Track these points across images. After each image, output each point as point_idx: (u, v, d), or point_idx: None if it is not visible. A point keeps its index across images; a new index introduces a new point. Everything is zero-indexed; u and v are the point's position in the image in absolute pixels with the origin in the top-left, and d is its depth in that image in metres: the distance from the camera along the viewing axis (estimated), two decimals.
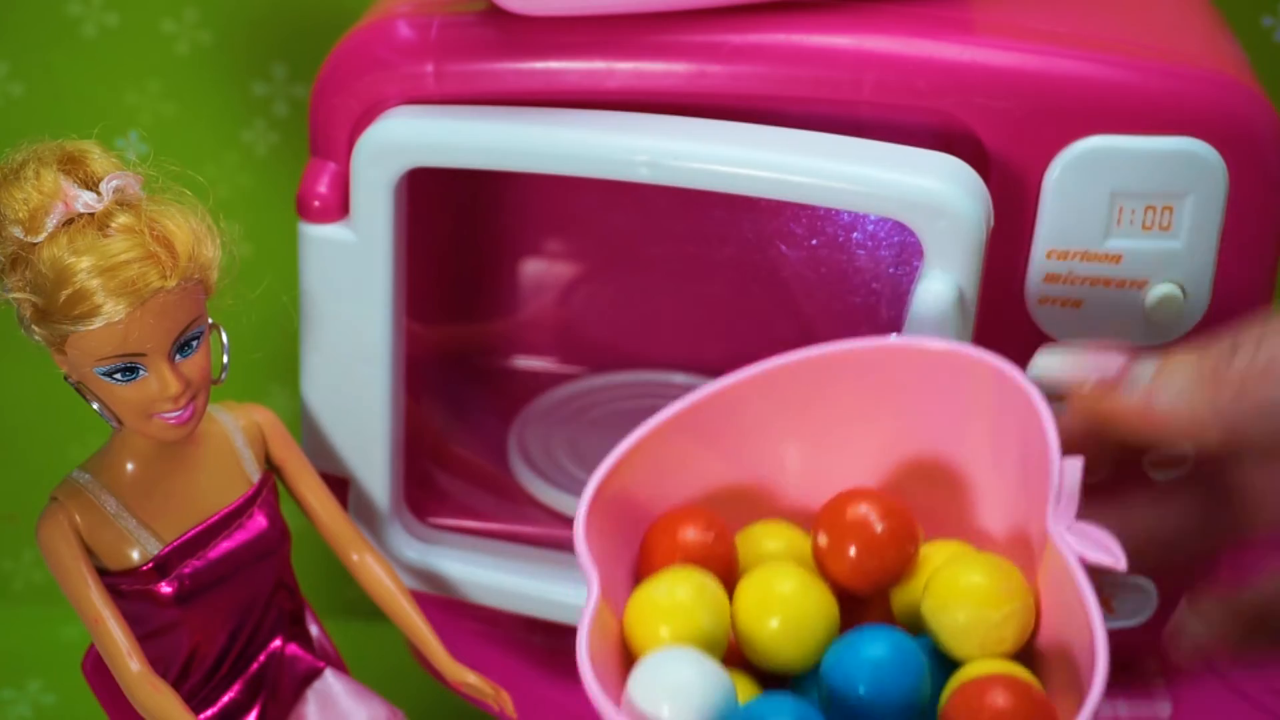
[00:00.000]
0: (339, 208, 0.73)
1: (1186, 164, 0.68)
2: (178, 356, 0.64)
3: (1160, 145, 0.68)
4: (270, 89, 0.92)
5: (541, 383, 0.91)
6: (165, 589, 0.66)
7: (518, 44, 0.71)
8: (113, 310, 0.61)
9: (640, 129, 0.69)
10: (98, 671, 0.68)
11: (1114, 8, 0.75)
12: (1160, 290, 0.70)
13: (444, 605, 0.82)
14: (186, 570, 0.67)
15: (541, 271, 0.91)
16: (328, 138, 0.73)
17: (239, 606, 0.69)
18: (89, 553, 0.66)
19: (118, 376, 0.63)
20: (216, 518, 0.68)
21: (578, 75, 0.71)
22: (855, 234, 0.82)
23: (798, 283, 0.86)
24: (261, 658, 0.71)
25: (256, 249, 0.93)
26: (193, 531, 0.67)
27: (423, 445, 0.84)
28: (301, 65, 0.91)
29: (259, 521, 0.70)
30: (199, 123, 0.93)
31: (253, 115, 0.92)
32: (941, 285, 0.68)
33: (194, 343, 0.65)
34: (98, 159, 0.64)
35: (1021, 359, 0.70)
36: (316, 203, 0.73)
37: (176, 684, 0.68)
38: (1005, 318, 0.72)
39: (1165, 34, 0.72)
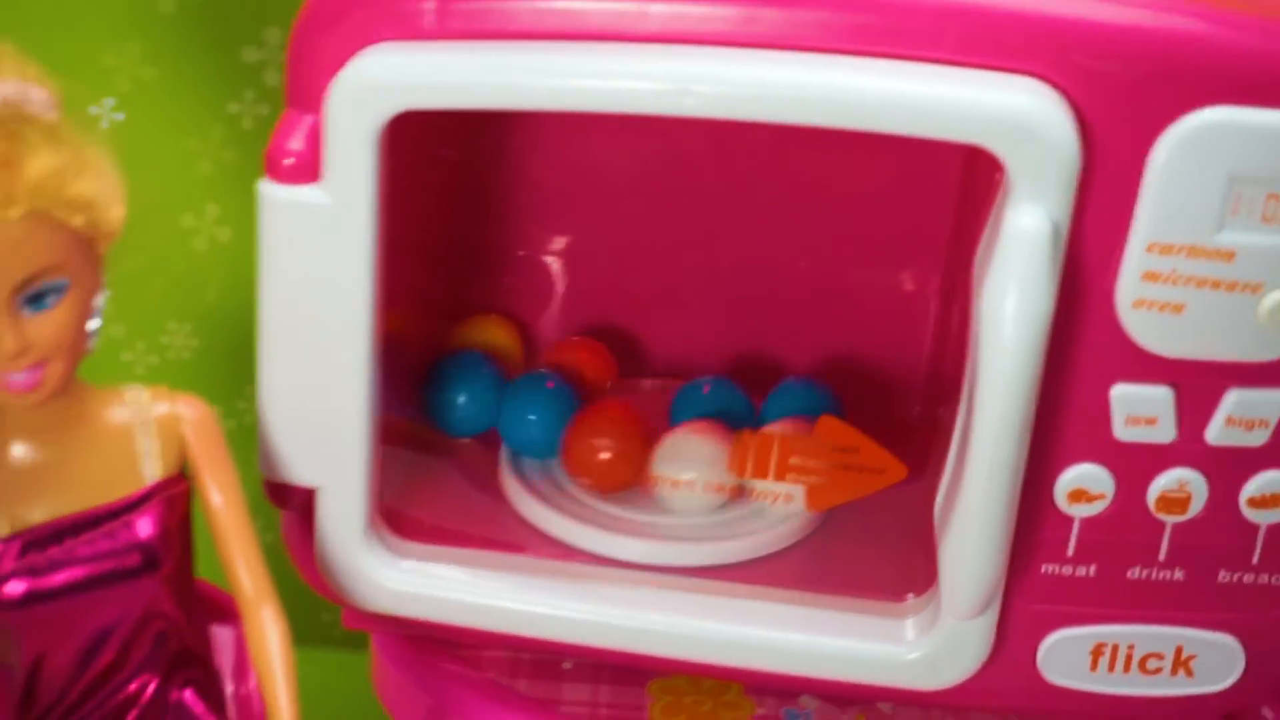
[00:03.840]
0: (315, 168, 0.59)
1: None
2: (27, 310, 0.51)
3: None
4: (262, 55, 0.78)
5: None
6: (10, 587, 0.52)
7: None
8: None
9: (683, 56, 0.55)
10: None
11: None
12: (1277, 296, 0.56)
13: (420, 648, 0.68)
14: (31, 567, 0.53)
15: (552, 258, 0.77)
16: (307, 85, 0.58)
17: (96, 627, 0.55)
18: None
19: None
20: (82, 515, 0.54)
21: (605, 15, 0.56)
22: None
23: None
24: (124, 694, 0.56)
25: (237, 233, 0.79)
26: (48, 525, 0.53)
27: (401, 450, 0.70)
28: None
29: (138, 531, 0.56)
30: (182, 90, 0.79)
31: (241, 84, 0.79)
32: (1033, 220, 0.54)
33: (49, 297, 0.52)
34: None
35: (1105, 373, 0.58)
36: (288, 160, 0.58)
37: (23, 707, 0.53)
38: (1089, 322, 0.57)
39: None
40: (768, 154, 0.72)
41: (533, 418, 0.70)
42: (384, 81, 0.57)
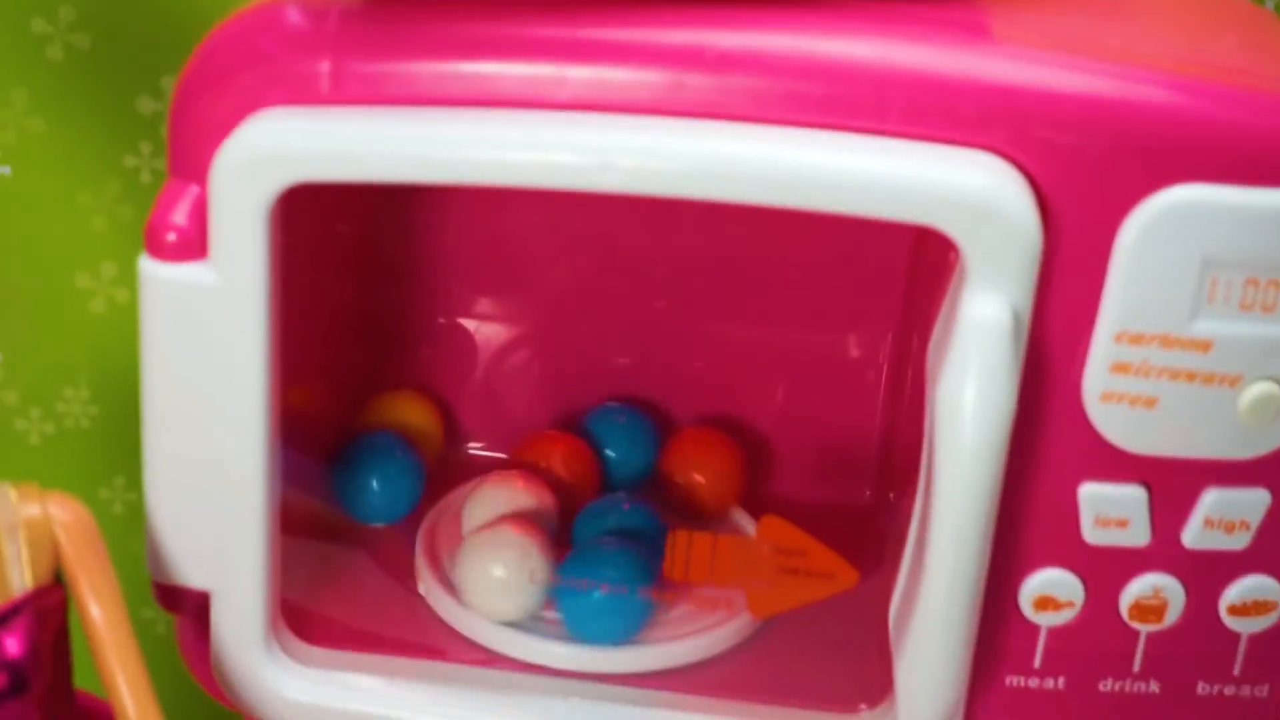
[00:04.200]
0: (201, 244, 0.53)
1: None
2: None
3: (1269, 201, 0.49)
4: (159, 105, 0.72)
5: (463, 470, 0.70)
6: None
7: (442, 40, 0.52)
8: None
9: (606, 127, 0.50)
10: None
11: (1193, 25, 0.56)
12: (1258, 389, 0.52)
13: None
14: None
15: (468, 334, 0.71)
16: (190, 153, 0.53)
17: None
18: None
19: None
20: None
21: (519, 81, 0.51)
22: None
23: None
24: None
25: (136, 294, 0.74)
26: None
27: (308, 541, 0.64)
28: None
29: (5, 649, 0.50)
30: (73, 143, 0.73)
31: (137, 136, 0.73)
32: (992, 308, 0.50)
33: None
34: None
35: (1072, 471, 0.53)
36: (171, 235, 0.53)
37: None
38: (1054, 417, 0.53)
39: (1264, 57, 0.54)
40: (703, 219, 0.67)
41: None
42: (274, 151, 0.51)
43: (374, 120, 0.51)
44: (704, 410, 0.71)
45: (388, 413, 0.69)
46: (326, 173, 0.51)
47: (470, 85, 0.51)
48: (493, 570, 0.62)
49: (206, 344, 0.54)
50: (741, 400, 0.71)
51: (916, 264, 0.66)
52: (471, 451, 0.73)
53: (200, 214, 0.53)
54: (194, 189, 0.53)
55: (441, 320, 0.72)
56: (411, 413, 0.69)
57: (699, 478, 0.68)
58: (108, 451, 0.79)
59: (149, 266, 0.53)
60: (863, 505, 0.71)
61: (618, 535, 0.63)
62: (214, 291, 0.53)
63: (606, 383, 0.71)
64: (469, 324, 0.71)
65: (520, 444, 0.70)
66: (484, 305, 0.71)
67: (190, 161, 0.53)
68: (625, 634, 0.61)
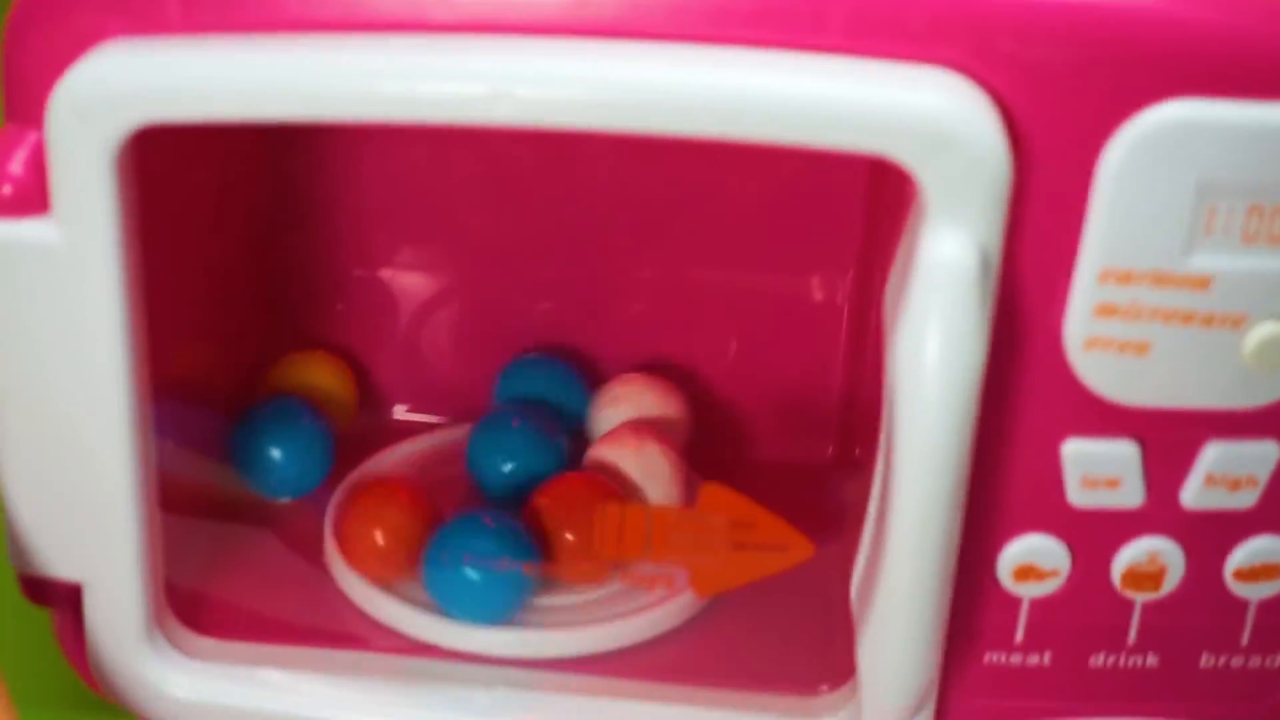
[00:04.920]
0: (42, 198, 0.46)
1: None
2: None
3: (1273, 116, 0.42)
4: None
5: (376, 437, 0.64)
6: None
7: None
8: None
9: (498, 50, 0.43)
10: None
11: None
12: (1265, 330, 0.45)
13: None
14: None
15: (384, 288, 0.65)
16: (26, 92, 0.46)
17: None
18: None
19: None
20: None
21: (397, 1, 0.44)
22: None
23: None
24: None
25: None
26: None
27: (204, 521, 0.58)
28: None
29: None
30: None
31: None
32: (955, 247, 0.43)
33: None
34: None
35: (1055, 427, 0.47)
36: (6, 189, 0.46)
37: None
38: (1032, 367, 0.46)
39: None
40: (638, 150, 0.60)
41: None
42: (117, 89, 0.44)
43: (230, 51, 0.44)
44: (643, 362, 0.64)
45: (294, 377, 0.62)
46: (178, 112, 0.45)
47: (341, 7, 0.44)
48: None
49: (53, 310, 0.47)
50: (688, 351, 0.64)
51: (876, 194, 0.60)
52: (396, 418, 0.67)
53: (39, 163, 0.46)
54: (31, 135, 0.46)
55: (355, 273, 0.65)
56: (320, 375, 0.62)
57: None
58: None
59: None
60: (825, 463, 0.64)
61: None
62: (58, 250, 0.46)
63: (538, 335, 0.65)
64: (385, 275, 0.65)
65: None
66: (401, 255, 0.64)
67: (25, 103, 0.46)
68: (498, 614, 0.56)
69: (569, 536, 0.56)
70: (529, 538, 0.56)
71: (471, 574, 0.55)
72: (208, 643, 0.54)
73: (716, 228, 0.62)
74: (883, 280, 0.50)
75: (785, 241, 0.62)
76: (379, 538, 0.56)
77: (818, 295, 0.63)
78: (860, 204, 0.60)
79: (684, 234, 0.62)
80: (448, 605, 0.56)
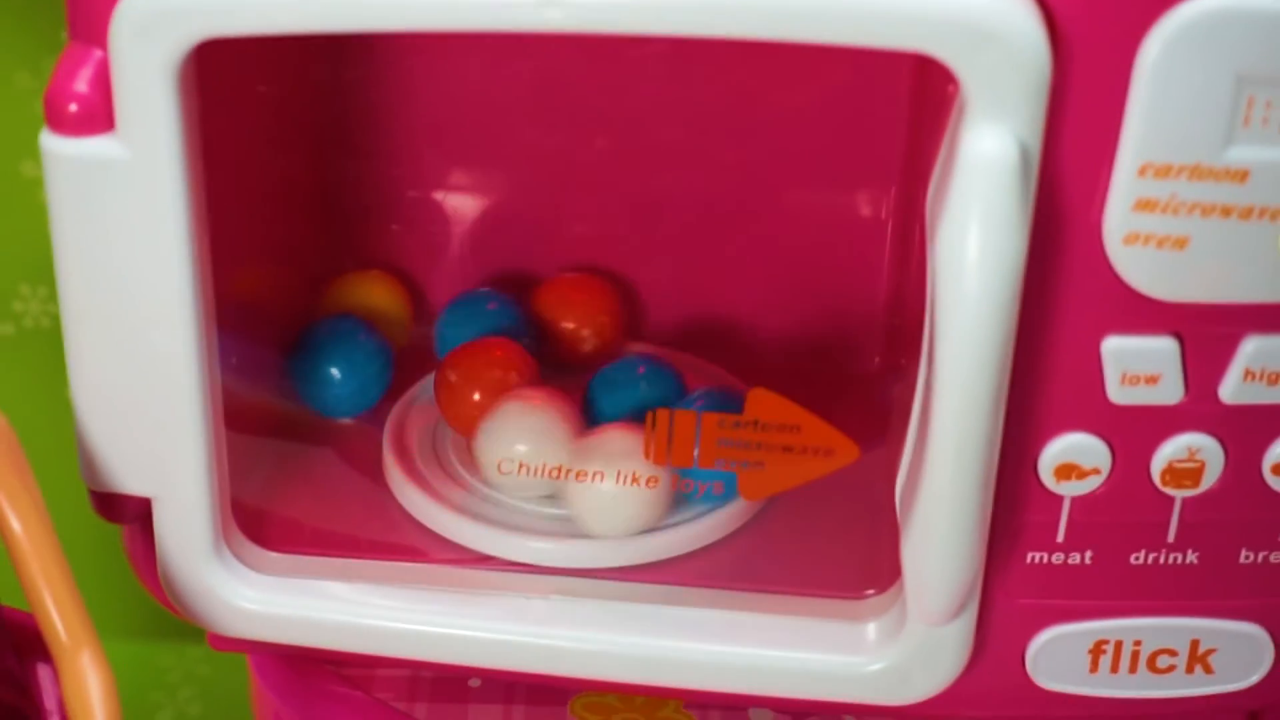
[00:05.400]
0: (107, 115, 0.48)
1: None
2: None
3: None
4: None
5: (432, 356, 0.64)
6: None
7: None
8: None
9: None
10: None
11: None
12: None
13: (301, 669, 0.58)
14: None
15: (439, 208, 0.65)
16: (90, 11, 0.47)
17: None
18: None
19: None
20: None
21: None
22: None
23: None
24: None
25: None
26: None
27: (266, 439, 0.59)
28: None
29: None
30: (8, 21, 0.68)
31: None
32: (995, 143, 0.44)
33: None
34: None
35: (1094, 324, 0.47)
36: (73, 106, 0.47)
37: None
38: (1072, 263, 0.47)
39: None
40: (682, 64, 0.60)
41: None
42: (175, 5, 0.45)
43: None
44: (683, 279, 0.65)
45: (350, 296, 0.63)
46: (235, 26, 0.45)
47: None
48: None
49: (121, 226, 0.48)
50: (735, 268, 0.65)
51: (920, 103, 0.60)
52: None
53: (104, 81, 0.47)
54: (96, 53, 0.47)
55: (409, 194, 0.66)
56: (376, 294, 0.63)
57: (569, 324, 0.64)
58: None
59: (51, 142, 0.48)
60: (872, 374, 0.65)
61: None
62: (124, 166, 0.47)
63: (583, 253, 0.65)
64: (438, 196, 0.65)
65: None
66: (453, 176, 0.65)
67: (89, 22, 0.47)
68: None
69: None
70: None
71: None
72: (273, 557, 0.56)
73: (757, 144, 0.62)
74: (922, 194, 0.51)
75: (830, 156, 0.62)
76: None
77: (863, 209, 0.63)
78: (904, 118, 0.60)
79: (730, 150, 0.63)
80: None
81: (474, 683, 0.59)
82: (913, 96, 0.61)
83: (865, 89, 0.60)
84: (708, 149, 0.63)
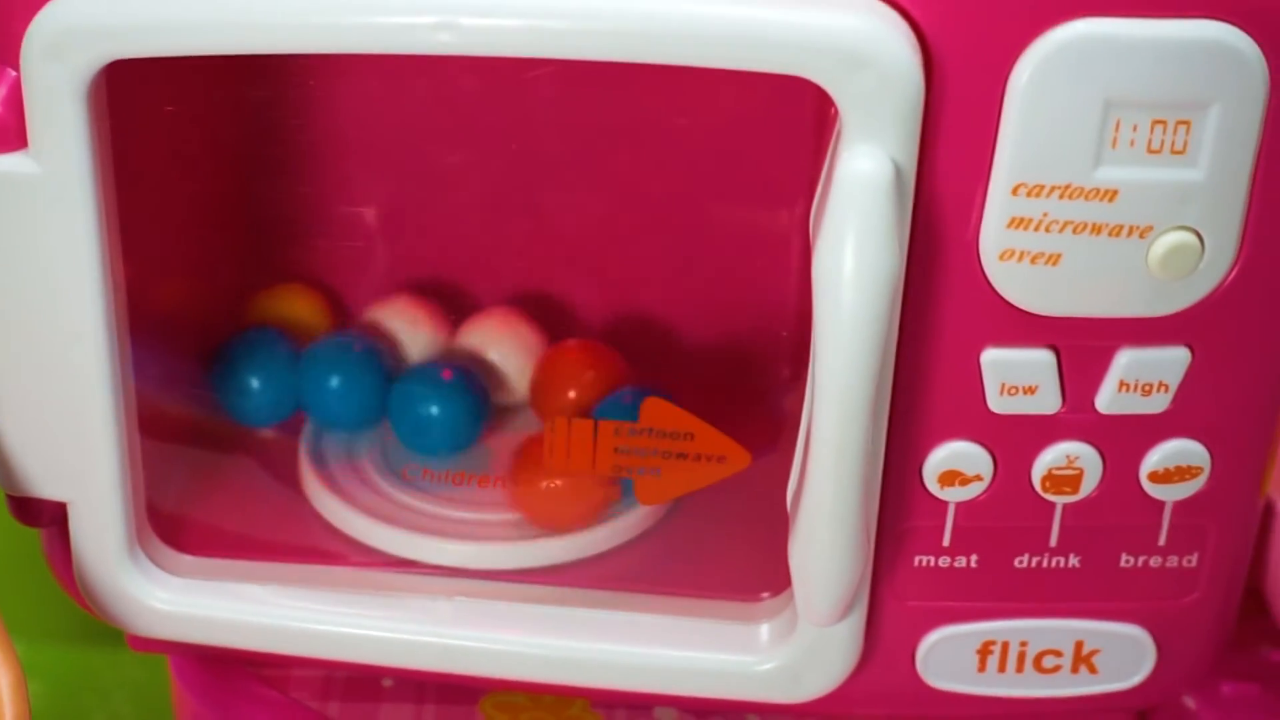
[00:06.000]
0: (20, 132, 0.48)
1: (1212, 60, 0.44)
2: None
3: (1176, 33, 0.44)
4: None
5: None
6: None
7: None
8: None
9: None
10: None
11: None
12: (1170, 240, 0.47)
13: (217, 670, 0.59)
14: None
15: (362, 222, 0.65)
16: (4, 31, 0.48)
17: None
18: None
19: None
20: None
21: None
22: None
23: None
24: None
25: None
26: None
27: (185, 447, 0.60)
28: None
29: None
30: None
31: None
32: (870, 162, 0.45)
33: None
34: None
35: (973, 337, 0.49)
36: None
37: None
38: (949, 278, 0.48)
39: None
40: (598, 84, 0.61)
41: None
42: (84, 25, 0.46)
43: None
44: (607, 298, 0.66)
45: (271, 308, 0.64)
46: (144, 47, 0.46)
47: None
48: None
49: (34, 241, 0.49)
50: (645, 284, 0.66)
51: (822, 121, 0.61)
52: None
53: (16, 99, 0.48)
54: (10, 72, 0.48)
55: (330, 208, 0.66)
56: (297, 307, 0.64)
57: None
58: None
59: None
60: (782, 384, 0.66)
61: None
62: (36, 182, 0.48)
63: (501, 263, 0.66)
64: (356, 210, 0.66)
65: None
66: (373, 191, 0.65)
67: (2, 42, 0.48)
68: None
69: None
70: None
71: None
72: (188, 559, 0.57)
73: (667, 162, 0.63)
74: None
75: (740, 172, 0.63)
76: None
77: (772, 225, 0.64)
78: (809, 136, 0.62)
79: (633, 168, 0.64)
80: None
81: (387, 682, 0.60)
82: (816, 115, 0.62)
83: (773, 107, 0.61)
84: (624, 166, 0.64)
